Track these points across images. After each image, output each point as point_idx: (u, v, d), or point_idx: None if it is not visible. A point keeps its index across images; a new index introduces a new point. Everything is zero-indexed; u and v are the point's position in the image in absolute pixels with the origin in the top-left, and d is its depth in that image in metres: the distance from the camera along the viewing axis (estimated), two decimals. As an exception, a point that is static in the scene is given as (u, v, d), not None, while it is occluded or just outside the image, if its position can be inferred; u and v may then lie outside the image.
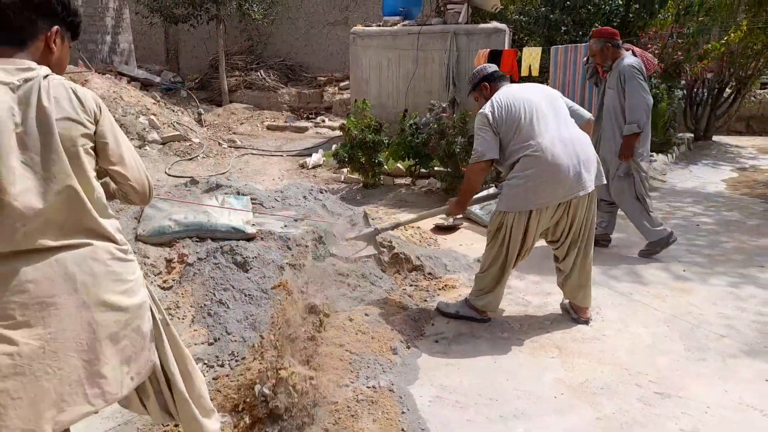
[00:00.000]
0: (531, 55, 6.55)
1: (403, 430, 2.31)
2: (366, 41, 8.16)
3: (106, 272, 1.55)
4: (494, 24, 7.79)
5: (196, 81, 13.04)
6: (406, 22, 8.31)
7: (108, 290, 1.55)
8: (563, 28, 7.04)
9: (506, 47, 7.34)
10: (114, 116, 8.70)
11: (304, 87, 12.41)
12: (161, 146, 8.10)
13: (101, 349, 1.54)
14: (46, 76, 1.45)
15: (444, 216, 4.63)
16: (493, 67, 3.34)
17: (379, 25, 8.47)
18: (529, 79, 6.52)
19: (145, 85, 11.15)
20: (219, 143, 8.93)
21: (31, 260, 1.44)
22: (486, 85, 3.25)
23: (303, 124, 10.77)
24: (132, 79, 10.92)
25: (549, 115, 2.98)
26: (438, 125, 5.87)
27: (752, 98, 10.73)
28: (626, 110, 4.14)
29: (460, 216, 5.16)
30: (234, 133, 10.00)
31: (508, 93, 3.07)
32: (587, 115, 3.25)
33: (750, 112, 11.18)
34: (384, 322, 3.07)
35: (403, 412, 2.41)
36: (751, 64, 9.39)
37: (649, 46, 7.24)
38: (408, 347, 2.97)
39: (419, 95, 7.81)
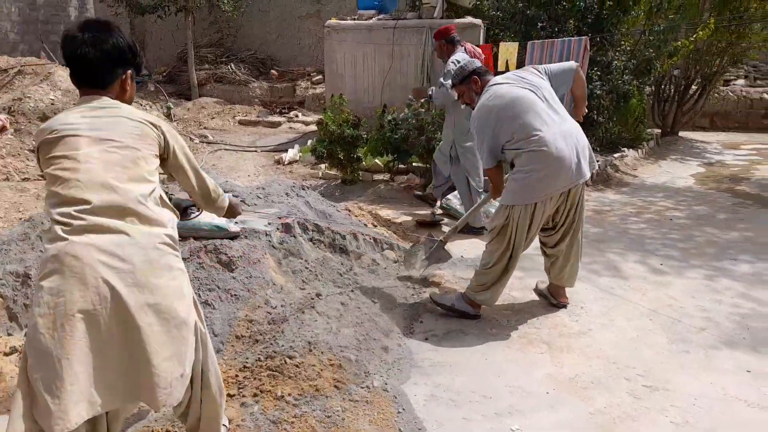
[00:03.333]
0: (508, 50, 6.57)
1: (400, 430, 2.29)
2: (341, 35, 8.06)
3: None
4: (469, 19, 7.79)
5: (164, 74, 12.71)
6: (381, 16, 8.24)
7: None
8: (539, 23, 7.11)
9: (481, 42, 7.36)
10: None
11: (275, 81, 12.22)
12: (131, 141, 7.86)
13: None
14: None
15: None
16: (478, 62, 3.34)
17: (354, 19, 8.39)
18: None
19: (112, 78, 10.81)
20: (190, 138, 8.73)
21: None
22: (476, 79, 3.23)
23: (276, 119, 10.61)
24: (97, 72, 10.56)
25: (547, 109, 3.00)
26: (417, 121, 5.86)
27: (716, 95, 11.05)
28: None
29: (440, 212, 5.22)
30: (205, 128, 9.79)
31: (502, 91, 3.06)
32: (572, 64, 3.29)
33: (714, 109, 11.51)
34: (374, 319, 3.04)
35: (398, 412, 2.39)
36: (716, 61, 9.66)
37: (622, 42, 7.37)
38: (399, 345, 2.95)
39: (395, 90, 7.76)
